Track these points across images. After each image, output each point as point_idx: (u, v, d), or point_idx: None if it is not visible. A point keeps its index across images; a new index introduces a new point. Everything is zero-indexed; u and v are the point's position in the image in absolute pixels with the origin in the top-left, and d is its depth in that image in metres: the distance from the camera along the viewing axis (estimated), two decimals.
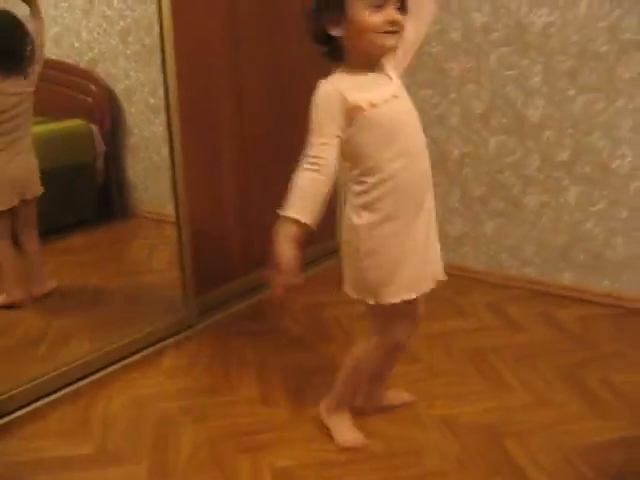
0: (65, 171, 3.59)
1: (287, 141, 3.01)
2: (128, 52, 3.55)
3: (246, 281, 2.95)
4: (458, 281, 3.02)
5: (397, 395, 2.10)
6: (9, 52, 2.54)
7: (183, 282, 2.66)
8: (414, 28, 1.67)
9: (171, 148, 2.62)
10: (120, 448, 1.92)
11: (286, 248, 1.56)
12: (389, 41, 1.56)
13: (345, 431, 1.92)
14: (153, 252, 3.45)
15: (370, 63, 1.62)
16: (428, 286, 1.74)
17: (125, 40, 3.52)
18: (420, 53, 2.48)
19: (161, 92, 3.33)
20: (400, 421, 2.01)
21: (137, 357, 2.44)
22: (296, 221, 1.56)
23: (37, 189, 2.80)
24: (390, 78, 1.65)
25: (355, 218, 1.67)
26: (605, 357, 2.36)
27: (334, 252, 3.44)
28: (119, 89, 3.75)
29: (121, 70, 3.66)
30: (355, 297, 1.77)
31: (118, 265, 3.38)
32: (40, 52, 2.68)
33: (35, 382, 2.17)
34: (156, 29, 2.99)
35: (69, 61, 3.75)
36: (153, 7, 3.19)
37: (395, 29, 1.55)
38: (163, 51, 2.51)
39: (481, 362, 2.34)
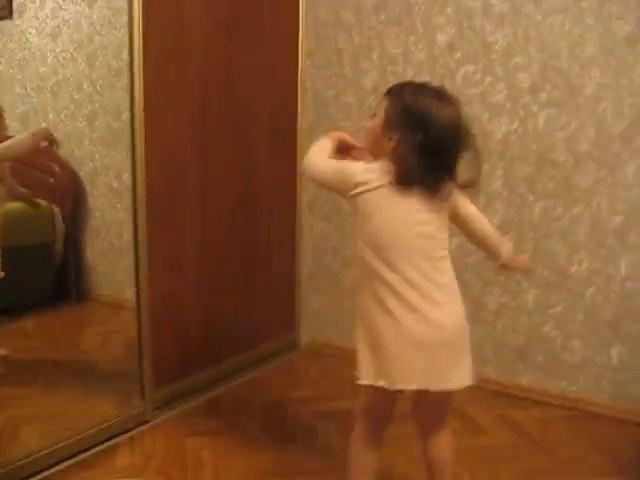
0: (23, 251, 3.54)
1: (250, 237, 3.04)
2: (94, 135, 3.55)
3: (204, 376, 2.91)
4: None
5: None
6: None
7: (140, 374, 2.61)
8: (466, 217, 1.78)
9: (135, 233, 2.61)
10: None
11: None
12: None
13: None
14: (109, 338, 3.39)
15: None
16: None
17: (92, 123, 3.53)
18: None
19: (125, 176, 3.36)
20: None
21: (90, 453, 2.36)
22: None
23: None
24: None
25: None
26: (563, 463, 2.36)
27: (294, 345, 3.43)
28: (83, 171, 3.75)
29: (86, 153, 3.66)
30: None
31: (72, 351, 3.30)
32: None
33: None
34: (125, 114, 3.03)
35: None
36: (122, 93, 3.25)
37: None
38: (133, 135, 2.55)
39: None
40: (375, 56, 3.05)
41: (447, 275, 1.70)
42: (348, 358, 3.18)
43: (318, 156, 1.75)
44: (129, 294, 3.35)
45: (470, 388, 2.85)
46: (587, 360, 2.74)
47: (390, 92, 1.69)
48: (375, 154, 1.70)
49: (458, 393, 2.82)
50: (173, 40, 2.63)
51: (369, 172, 1.64)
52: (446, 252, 1.70)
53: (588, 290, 2.70)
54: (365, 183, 1.63)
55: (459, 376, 1.76)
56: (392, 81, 2.94)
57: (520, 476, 2.26)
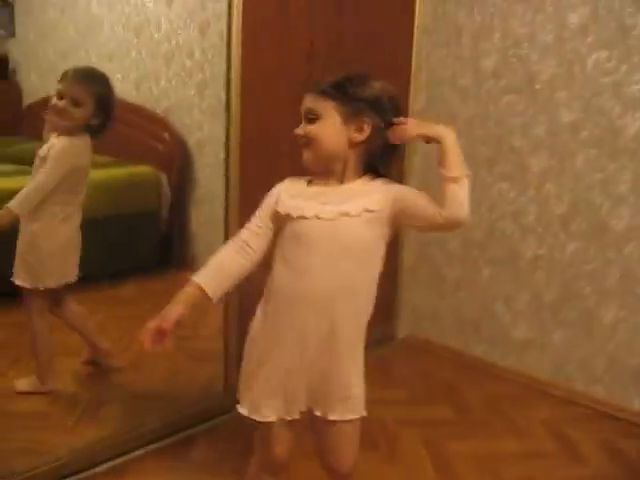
0: (130, 217, 3.56)
1: None
2: (203, 105, 3.51)
3: None
4: (518, 389, 2.82)
5: None
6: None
7: (225, 368, 2.55)
8: (432, 214, 1.49)
9: (226, 206, 2.53)
10: None
11: (179, 305, 1.56)
12: (303, 157, 1.57)
13: None
14: (202, 314, 3.34)
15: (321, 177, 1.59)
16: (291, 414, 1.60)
17: (202, 93, 3.49)
18: None
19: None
20: None
21: (167, 442, 2.33)
22: (201, 289, 1.56)
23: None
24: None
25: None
26: None
27: (391, 338, 3.29)
28: (191, 140, 3.72)
29: (195, 122, 3.63)
30: None
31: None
32: None
33: (55, 464, 2.08)
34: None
35: (146, 106, 3.75)
36: None
37: (302, 141, 1.56)
38: (228, 108, 2.46)
39: None
40: (497, 36, 2.79)
41: None
42: (444, 356, 3.07)
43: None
44: None
45: (575, 405, 2.68)
46: None
47: (329, 86, 1.55)
48: (332, 161, 1.55)
49: (560, 409, 2.64)
50: (275, 9, 2.48)
51: None
52: None
53: None
54: None
55: None
56: (515, 64, 2.75)
57: None
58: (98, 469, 2.15)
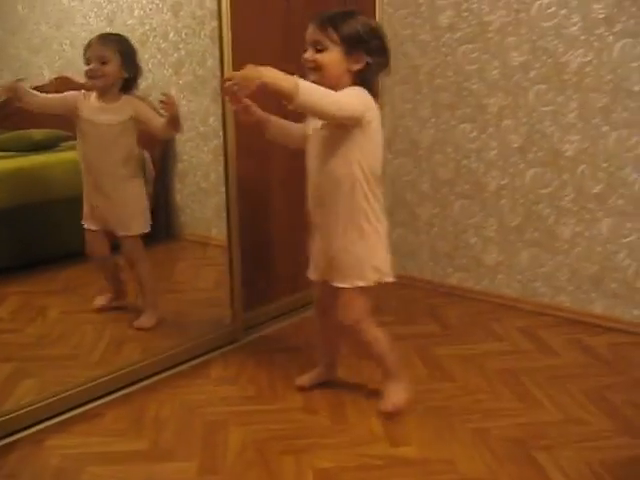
0: None
1: None
2: (180, 82, 3.69)
3: (291, 300, 3.10)
4: (493, 307, 3.15)
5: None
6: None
7: (231, 298, 2.80)
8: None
9: (226, 174, 2.76)
10: (172, 446, 2.05)
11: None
12: (310, 76, 1.94)
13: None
14: (198, 272, 3.60)
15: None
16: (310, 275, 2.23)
17: (178, 71, 3.67)
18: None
19: (211, 120, 3.52)
20: (435, 432, 2.11)
21: (185, 366, 2.58)
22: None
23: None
24: None
25: None
26: (634, 381, 2.45)
27: None
28: None
29: None
30: None
31: (165, 284, 3.52)
32: None
33: (90, 384, 2.33)
34: (210, 61, 3.18)
35: None
36: (207, 40, 3.41)
37: (310, 66, 1.96)
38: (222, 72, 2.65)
39: (514, 382, 2.44)
40: None
41: None
42: (425, 288, 3.36)
43: (333, 95, 1.89)
44: (215, 232, 3.55)
45: (544, 315, 3.00)
46: None
47: (333, 22, 1.94)
48: (334, 83, 1.94)
49: (532, 319, 2.96)
50: None
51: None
52: None
53: None
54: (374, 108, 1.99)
55: None
56: (468, 18, 3.06)
57: (590, 392, 2.35)
58: (133, 388, 2.42)
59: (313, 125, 2.06)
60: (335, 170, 2.00)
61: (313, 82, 1.89)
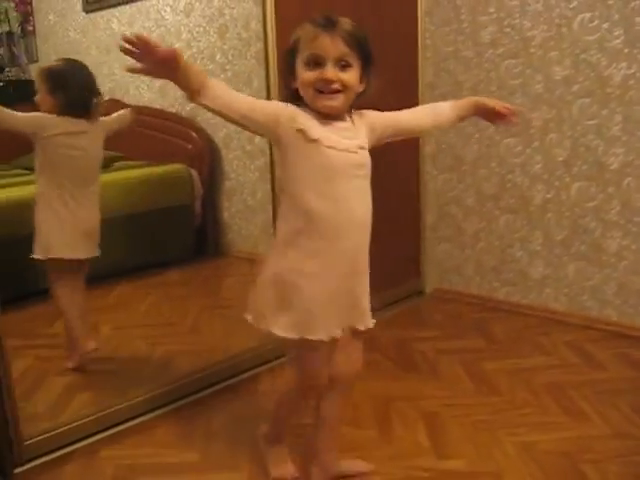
0: (166, 211, 3.88)
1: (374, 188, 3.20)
2: None
3: None
4: (540, 321, 3.14)
5: (352, 464, 2.02)
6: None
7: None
8: (420, 122, 1.83)
9: (273, 191, 2.80)
10: (222, 458, 2.09)
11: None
12: (326, 101, 1.60)
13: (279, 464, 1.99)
14: (246, 289, 3.65)
15: (324, 115, 1.64)
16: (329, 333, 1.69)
17: None
18: None
19: (257, 139, 3.60)
20: (482, 445, 2.12)
21: (234, 381, 2.64)
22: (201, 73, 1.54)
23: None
24: (355, 135, 1.68)
25: None
26: None
27: (420, 292, 3.60)
28: (218, 137, 4.02)
29: (220, 120, 3.90)
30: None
31: (214, 299, 3.60)
32: None
33: (141, 398, 2.39)
34: (255, 82, 3.26)
35: (172, 110, 4.07)
36: (252, 61, 3.49)
37: (335, 88, 1.59)
38: (268, 98, 2.71)
39: (561, 396, 2.43)
40: (492, 9, 3.14)
41: None
42: (471, 303, 3.36)
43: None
44: (262, 249, 3.61)
45: (591, 329, 2.98)
46: None
47: (358, 35, 1.62)
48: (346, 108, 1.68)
49: (579, 333, 2.94)
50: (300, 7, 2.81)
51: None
52: None
53: None
54: None
55: None
56: (510, 33, 3.08)
57: (638, 407, 2.32)
58: (184, 401, 2.48)
59: (340, 142, 1.72)
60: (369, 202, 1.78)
61: (336, 106, 1.62)
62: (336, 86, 1.59)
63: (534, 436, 2.16)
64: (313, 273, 1.64)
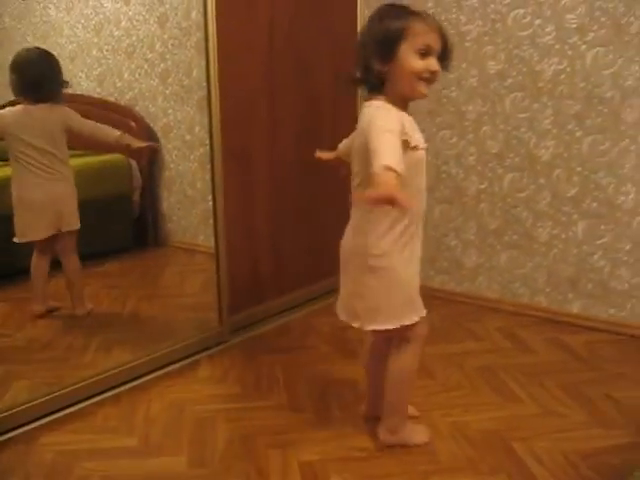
0: (104, 202, 3.83)
1: (316, 172, 3.24)
2: (167, 92, 3.76)
3: (276, 304, 3.18)
4: (473, 309, 3.23)
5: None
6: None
7: (219, 301, 2.87)
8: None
9: (213, 181, 2.83)
10: (161, 442, 2.11)
11: (391, 183, 1.52)
12: (424, 89, 1.78)
13: (419, 433, 2.11)
14: (185, 278, 3.67)
15: (404, 103, 1.82)
16: None
17: (165, 81, 3.74)
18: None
19: (197, 129, 3.60)
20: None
21: (174, 367, 2.65)
22: (392, 169, 1.55)
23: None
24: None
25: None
26: (609, 377, 2.53)
27: None
28: (157, 126, 3.98)
29: (160, 108, 3.88)
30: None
31: (153, 289, 3.59)
32: None
33: (82, 384, 2.39)
34: (195, 71, 3.26)
35: (110, 99, 4.02)
36: (192, 51, 3.48)
37: (432, 78, 1.77)
38: (209, 87, 2.74)
39: (492, 378, 2.52)
40: (430, 4, 3.21)
41: None
42: None
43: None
44: (202, 239, 3.62)
45: (522, 315, 3.09)
46: (634, 287, 2.88)
47: (446, 37, 1.81)
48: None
49: (510, 319, 3.04)
50: None
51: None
52: None
53: (635, 220, 2.83)
54: None
55: None
56: (446, 28, 3.15)
57: (566, 386, 2.44)
58: (123, 388, 2.49)
59: (422, 140, 1.84)
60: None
61: (425, 96, 1.79)
62: (435, 77, 1.78)
63: (467, 416, 2.24)
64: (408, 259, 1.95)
